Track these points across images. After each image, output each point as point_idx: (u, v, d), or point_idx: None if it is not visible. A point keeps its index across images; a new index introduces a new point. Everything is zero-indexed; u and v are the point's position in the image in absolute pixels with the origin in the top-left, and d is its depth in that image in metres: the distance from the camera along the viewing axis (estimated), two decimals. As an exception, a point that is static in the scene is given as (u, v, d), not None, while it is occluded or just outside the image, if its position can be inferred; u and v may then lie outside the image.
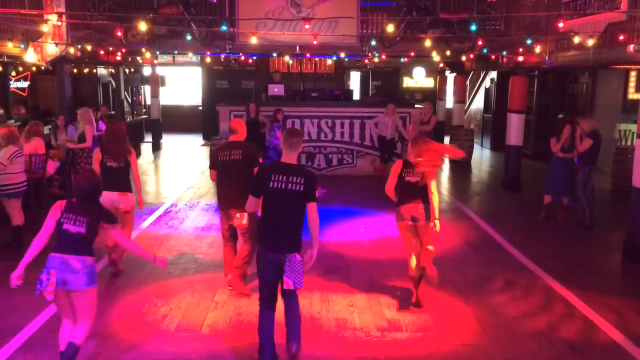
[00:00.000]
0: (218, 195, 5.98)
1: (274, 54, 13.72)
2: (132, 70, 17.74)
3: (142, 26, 8.74)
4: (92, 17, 11.23)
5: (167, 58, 18.37)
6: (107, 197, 5.66)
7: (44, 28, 9.24)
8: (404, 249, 5.76)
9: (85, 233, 4.07)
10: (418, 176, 5.44)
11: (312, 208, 4.25)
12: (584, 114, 10.91)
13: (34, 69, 12.98)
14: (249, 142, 6.03)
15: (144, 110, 19.16)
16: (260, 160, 5.95)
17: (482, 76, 18.62)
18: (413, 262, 5.55)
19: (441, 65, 17.16)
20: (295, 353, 4.36)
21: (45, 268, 4.02)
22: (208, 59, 15.58)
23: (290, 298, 4.34)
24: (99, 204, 4.27)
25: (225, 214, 5.80)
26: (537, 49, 10.17)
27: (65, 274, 3.99)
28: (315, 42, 9.33)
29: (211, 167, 5.93)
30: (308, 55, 13.40)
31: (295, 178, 4.20)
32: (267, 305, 4.34)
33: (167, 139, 18.00)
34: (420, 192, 5.45)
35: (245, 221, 5.56)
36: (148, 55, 13.98)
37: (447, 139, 16.62)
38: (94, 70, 14.72)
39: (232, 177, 5.64)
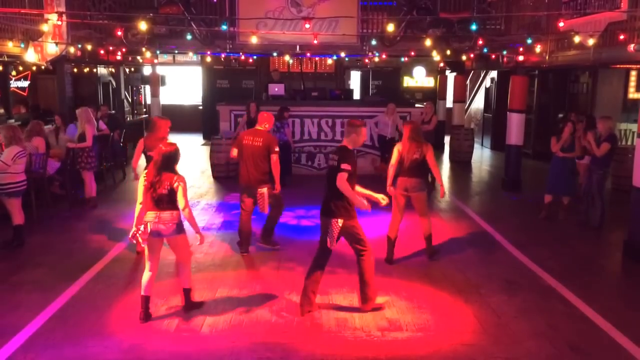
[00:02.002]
0: (240, 174, 7.05)
1: (275, 54, 13.72)
2: (132, 69, 17.74)
3: (143, 26, 8.74)
4: (92, 17, 11.22)
5: (167, 57, 18.34)
6: None
7: (44, 27, 9.23)
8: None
9: (167, 194, 5.01)
10: (417, 154, 6.59)
11: (337, 177, 5.09)
12: (585, 114, 10.88)
13: (34, 68, 12.98)
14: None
15: (144, 110, 19.15)
16: (277, 150, 6.89)
17: (482, 76, 18.61)
18: (393, 225, 6.80)
19: (441, 64, 17.15)
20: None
21: (143, 222, 5.05)
22: (208, 59, 15.58)
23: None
24: (175, 170, 5.13)
25: (250, 192, 6.94)
26: (538, 49, 10.17)
27: (158, 225, 5.00)
28: (315, 42, 9.32)
29: (234, 145, 7.14)
30: (308, 54, 13.40)
31: (333, 155, 5.24)
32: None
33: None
34: (416, 169, 6.65)
35: (266, 195, 6.83)
36: (148, 54, 13.97)
37: (447, 139, 16.61)
38: (94, 70, 14.71)
39: (253, 161, 6.82)
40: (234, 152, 7.07)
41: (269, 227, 7.29)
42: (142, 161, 7.03)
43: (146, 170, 5.19)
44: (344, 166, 5.08)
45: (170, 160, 5.10)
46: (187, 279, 5.39)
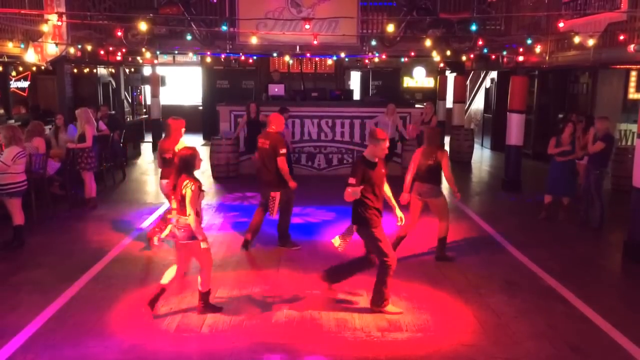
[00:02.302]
0: (257, 175, 7.47)
1: (274, 54, 13.72)
2: (132, 70, 17.73)
3: (143, 26, 8.73)
4: (92, 17, 11.23)
5: (167, 58, 18.34)
6: (163, 184, 6.77)
7: (44, 28, 9.23)
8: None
9: (182, 199, 4.99)
10: (431, 160, 6.66)
11: None
12: (585, 114, 10.88)
13: (34, 69, 12.97)
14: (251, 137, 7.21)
15: (144, 110, 19.14)
16: (283, 152, 6.96)
17: (482, 76, 18.61)
18: (405, 226, 6.71)
19: (441, 65, 17.15)
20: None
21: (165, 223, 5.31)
22: (208, 59, 15.59)
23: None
24: (191, 173, 5.07)
25: (263, 193, 7.26)
26: (538, 49, 10.17)
27: (175, 229, 5.09)
28: (315, 42, 9.33)
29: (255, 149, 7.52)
30: (308, 55, 13.40)
31: None
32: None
33: (167, 139, 17.95)
34: (430, 175, 6.70)
35: (277, 200, 6.98)
36: (148, 55, 13.98)
37: (447, 139, 16.61)
38: (94, 70, 14.71)
39: (264, 163, 7.07)
40: (257, 154, 7.35)
41: (282, 230, 7.39)
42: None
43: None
44: (350, 180, 5.26)
45: (186, 163, 5.05)
46: (203, 283, 5.35)
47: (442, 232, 6.96)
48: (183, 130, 6.94)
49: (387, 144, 5.36)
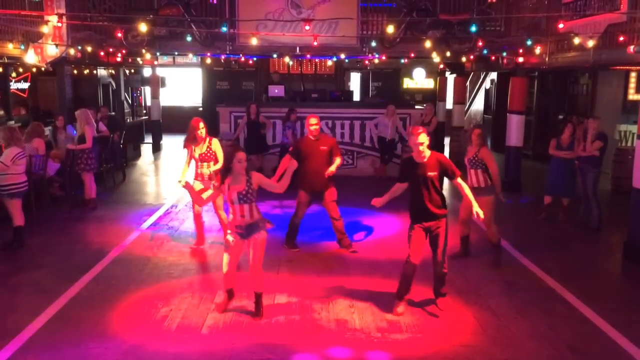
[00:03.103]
0: None
1: (274, 55, 13.72)
2: (132, 71, 17.75)
3: (142, 27, 8.74)
4: (92, 18, 11.24)
5: (167, 59, 18.36)
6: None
7: (44, 29, 9.25)
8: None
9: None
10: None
11: None
12: (585, 115, 10.89)
13: (34, 70, 12.99)
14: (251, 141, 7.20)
15: (144, 111, 19.16)
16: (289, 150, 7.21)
17: (482, 77, 18.62)
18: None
19: (441, 66, 17.15)
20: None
21: None
22: (208, 60, 15.59)
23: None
24: (226, 170, 5.13)
25: None
26: (537, 50, 10.18)
27: None
28: (315, 43, 9.34)
29: None
30: (308, 56, 13.39)
31: None
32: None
33: (167, 140, 18.00)
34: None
35: None
36: (148, 56, 13.99)
37: (447, 140, 16.62)
38: (94, 72, 14.72)
39: None
40: None
41: (288, 229, 7.45)
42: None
43: None
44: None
45: (225, 160, 5.19)
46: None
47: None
48: (199, 132, 6.81)
49: (417, 138, 5.29)
